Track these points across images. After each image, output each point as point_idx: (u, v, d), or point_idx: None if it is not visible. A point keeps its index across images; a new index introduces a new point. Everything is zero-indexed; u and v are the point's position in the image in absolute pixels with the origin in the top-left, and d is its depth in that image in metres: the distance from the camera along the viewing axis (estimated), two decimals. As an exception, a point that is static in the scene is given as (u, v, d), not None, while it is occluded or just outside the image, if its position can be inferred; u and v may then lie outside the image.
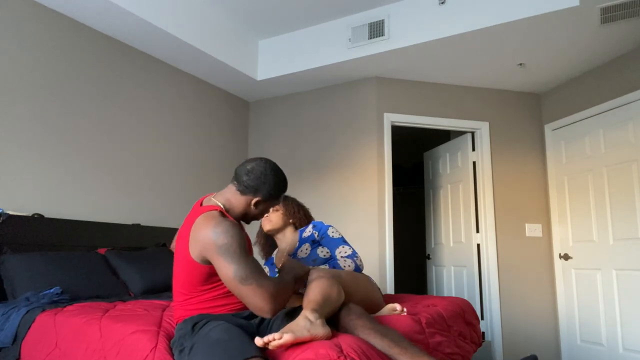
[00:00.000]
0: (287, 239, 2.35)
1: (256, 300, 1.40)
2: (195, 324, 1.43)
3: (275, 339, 1.21)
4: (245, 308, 1.56)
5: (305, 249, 2.24)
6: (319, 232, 2.24)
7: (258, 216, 1.69)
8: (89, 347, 1.65)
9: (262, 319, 1.53)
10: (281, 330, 1.24)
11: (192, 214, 1.57)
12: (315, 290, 1.52)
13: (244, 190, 1.61)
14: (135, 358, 1.49)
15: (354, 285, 1.85)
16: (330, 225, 2.29)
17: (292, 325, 1.27)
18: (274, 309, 1.42)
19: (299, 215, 2.36)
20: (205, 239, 1.45)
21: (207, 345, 1.27)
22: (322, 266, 2.15)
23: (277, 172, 1.64)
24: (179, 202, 3.80)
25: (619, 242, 3.48)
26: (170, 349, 1.48)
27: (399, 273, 6.21)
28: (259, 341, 1.23)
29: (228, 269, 1.42)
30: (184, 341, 1.40)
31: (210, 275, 1.49)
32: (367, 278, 2.12)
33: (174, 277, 1.58)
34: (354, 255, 2.16)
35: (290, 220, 2.35)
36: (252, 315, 1.55)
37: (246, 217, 1.67)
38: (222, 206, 1.60)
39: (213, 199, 1.63)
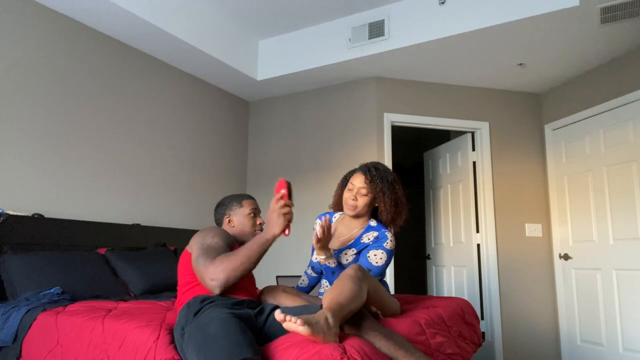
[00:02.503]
0: (355, 223, 2.06)
1: (202, 280, 1.61)
2: (198, 311, 1.48)
3: (294, 323, 1.21)
4: (244, 297, 1.69)
5: (351, 254, 1.99)
6: (373, 243, 1.96)
7: (245, 227, 1.96)
8: (92, 341, 1.66)
9: (260, 311, 1.56)
10: (301, 318, 1.22)
11: None
12: (347, 292, 1.45)
13: (219, 222, 2.01)
14: (138, 350, 1.50)
15: (374, 293, 1.74)
16: (386, 250, 1.93)
17: (312, 319, 1.25)
18: (215, 286, 1.57)
19: (396, 214, 2.02)
20: (194, 236, 1.80)
21: (203, 340, 1.29)
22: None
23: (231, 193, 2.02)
24: (178, 202, 3.80)
25: (619, 242, 3.48)
26: (173, 339, 1.52)
27: (399, 273, 6.21)
28: (279, 315, 1.23)
29: (194, 253, 1.69)
30: (185, 326, 1.45)
31: None
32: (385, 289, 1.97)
33: (178, 281, 1.79)
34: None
35: (380, 210, 2.02)
36: (251, 305, 1.61)
37: (241, 236, 1.95)
38: None
39: None
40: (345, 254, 1.99)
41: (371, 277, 1.70)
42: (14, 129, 2.71)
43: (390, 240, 1.96)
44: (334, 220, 2.19)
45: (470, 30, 3.17)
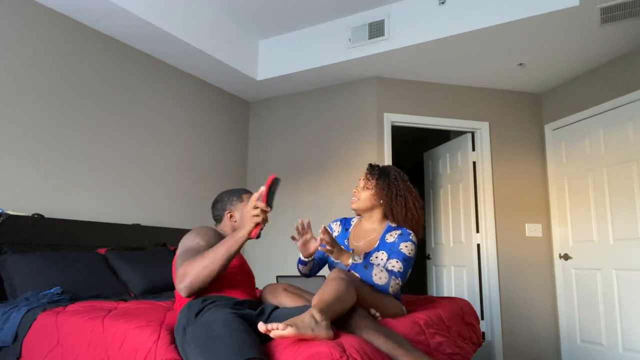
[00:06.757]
0: (372, 223, 2.15)
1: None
2: (200, 310, 1.47)
3: (278, 329, 1.21)
4: (244, 297, 1.67)
5: (381, 258, 2.01)
6: (398, 239, 2.01)
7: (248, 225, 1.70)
8: (92, 342, 1.66)
9: (261, 311, 1.55)
10: (285, 322, 1.23)
11: None
12: (330, 290, 1.49)
13: (219, 219, 1.93)
14: (138, 350, 1.50)
15: (368, 294, 1.77)
16: (413, 241, 2.01)
17: (297, 320, 1.27)
18: (180, 289, 1.52)
19: (394, 204, 2.07)
20: (182, 238, 1.76)
21: (207, 340, 1.28)
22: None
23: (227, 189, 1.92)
24: (179, 202, 3.80)
25: (619, 242, 3.48)
26: (174, 339, 1.51)
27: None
28: (262, 327, 1.23)
29: (177, 257, 1.65)
30: (187, 325, 1.44)
31: None
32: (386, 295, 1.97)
33: (175, 285, 1.72)
34: (397, 275, 1.89)
35: (381, 202, 2.11)
36: (252, 306, 1.60)
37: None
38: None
39: None
40: (376, 257, 2.02)
41: (357, 279, 1.74)
42: (14, 129, 2.71)
43: (413, 236, 2.05)
44: (352, 223, 2.27)
45: (471, 30, 3.17)
